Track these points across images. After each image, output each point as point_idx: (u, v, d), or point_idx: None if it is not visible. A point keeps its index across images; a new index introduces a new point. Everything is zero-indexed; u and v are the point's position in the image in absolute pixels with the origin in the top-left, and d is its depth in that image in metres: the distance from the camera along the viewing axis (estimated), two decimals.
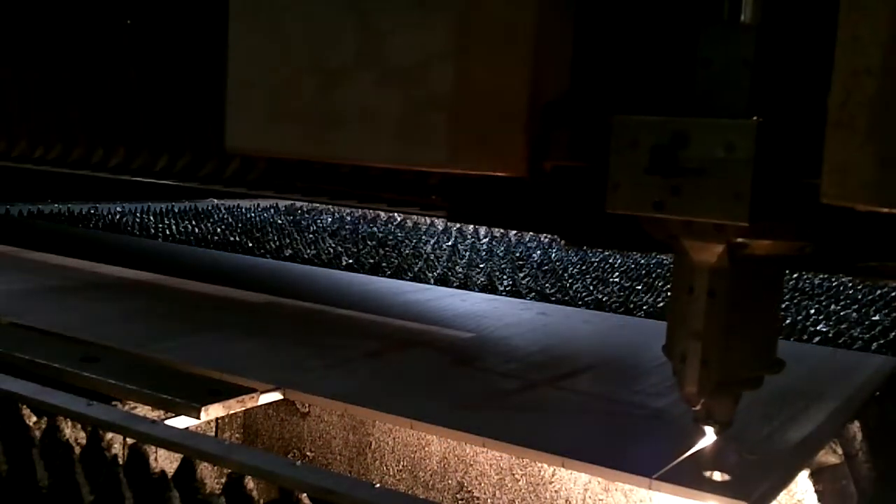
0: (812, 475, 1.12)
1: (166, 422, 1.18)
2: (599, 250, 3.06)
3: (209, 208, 3.87)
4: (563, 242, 3.18)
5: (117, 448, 1.11)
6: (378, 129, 1.10)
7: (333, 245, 2.99)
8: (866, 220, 0.88)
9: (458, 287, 2.28)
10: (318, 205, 4.23)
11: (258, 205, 4.12)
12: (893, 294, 2.52)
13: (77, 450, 1.10)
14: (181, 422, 1.20)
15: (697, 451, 1.08)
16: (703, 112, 0.92)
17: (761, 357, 1.06)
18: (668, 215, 0.93)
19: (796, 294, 2.51)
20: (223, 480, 1.03)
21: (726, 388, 1.04)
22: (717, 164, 0.89)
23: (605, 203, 0.96)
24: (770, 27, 0.93)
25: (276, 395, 1.27)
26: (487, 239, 3.42)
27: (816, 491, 1.12)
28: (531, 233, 3.36)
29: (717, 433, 1.09)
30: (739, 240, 0.96)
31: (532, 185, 1.12)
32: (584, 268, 2.79)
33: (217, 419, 1.41)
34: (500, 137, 1.04)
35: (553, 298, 2.21)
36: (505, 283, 2.40)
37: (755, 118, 0.88)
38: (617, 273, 2.73)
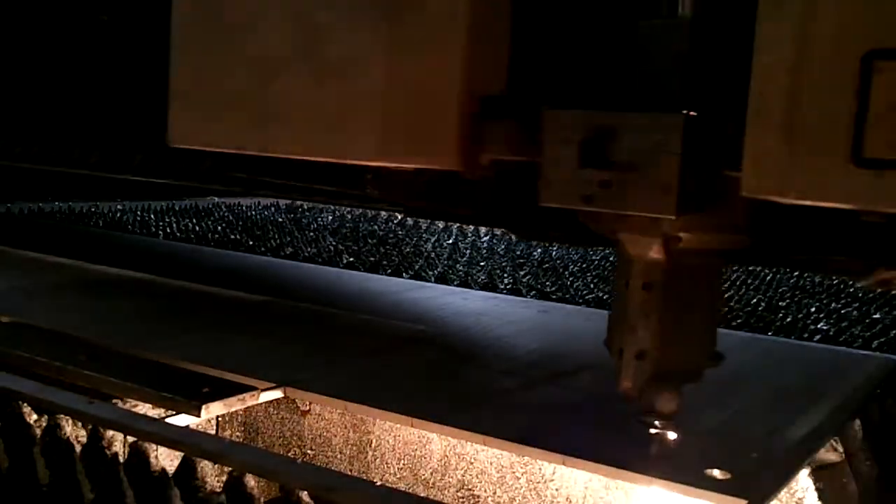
0: (813, 473, 1.13)
1: (167, 420, 1.18)
2: (599, 248, 3.05)
3: (209, 206, 3.87)
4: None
5: (118, 446, 1.11)
6: (313, 122, 1.10)
7: (334, 243, 2.99)
8: (798, 214, 0.88)
9: (458, 285, 2.28)
10: (318, 203, 4.23)
11: (258, 203, 4.12)
12: (894, 292, 2.52)
13: (78, 448, 1.10)
14: (182, 420, 1.20)
15: (698, 449, 1.08)
16: (640, 106, 0.92)
17: (700, 350, 1.05)
18: (597, 208, 0.93)
19: (797, 292, 2.51)
20: (224, 478, 1.03)
21: (666, 382, 1.03)
22: (645, 157, 0.88)
23: (538, 196, 0.95)
24: (704, 21, 0.92)
25: (276, 393, 1.27)
26: (488, 237, 3.42)
27: (817, 489, 1.12)
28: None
29: (660, 427, 1.08)
30: (675, 233, 0.96)
31: (475, 180, 1.12)
32: (584, 266, 2.79)
33: (217, 417, 1.41)
34: (433, 131, 1.04)
35: (554, 296, 2.21)
36: (505, 280, 2.40)
37: (683, 112, 0.88)
38: None
